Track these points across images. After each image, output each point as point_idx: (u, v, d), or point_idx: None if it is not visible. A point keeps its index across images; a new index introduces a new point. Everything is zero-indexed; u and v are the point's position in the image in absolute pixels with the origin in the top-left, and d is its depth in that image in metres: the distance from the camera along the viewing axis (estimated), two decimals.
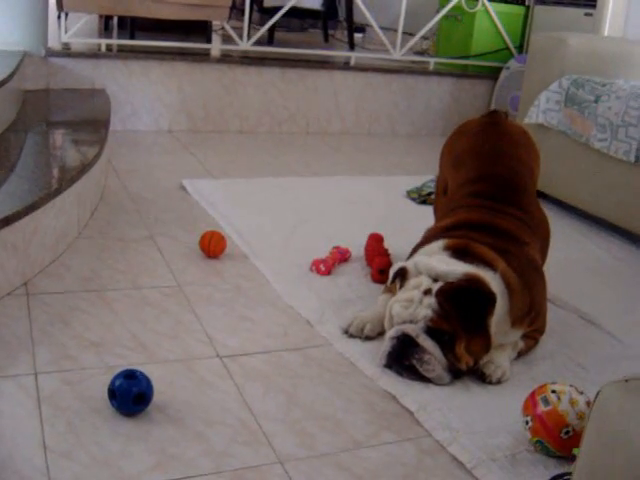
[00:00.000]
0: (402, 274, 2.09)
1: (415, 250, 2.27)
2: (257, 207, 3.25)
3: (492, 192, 2.38)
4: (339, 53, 5.51)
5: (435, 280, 2.01)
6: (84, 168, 2.79)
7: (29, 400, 1.78)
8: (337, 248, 2.74)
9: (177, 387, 1.89)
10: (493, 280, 2.03)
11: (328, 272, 2.61)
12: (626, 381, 1.14)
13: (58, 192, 2.49)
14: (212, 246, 2.65)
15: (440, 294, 1.97)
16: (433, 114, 5.22)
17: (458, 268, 2.01)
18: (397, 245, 2.73)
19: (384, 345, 2.05)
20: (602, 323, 2.45)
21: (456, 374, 2.01)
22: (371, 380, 2.01)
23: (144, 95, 4.45)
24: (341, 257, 2.71)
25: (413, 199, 3.57)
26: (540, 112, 3.63)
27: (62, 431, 1.68)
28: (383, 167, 4.19)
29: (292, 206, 3.31)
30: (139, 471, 1.58)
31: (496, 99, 5.15)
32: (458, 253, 2.09)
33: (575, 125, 3.46)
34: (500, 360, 2.06)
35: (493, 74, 5.23)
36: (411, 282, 2.04)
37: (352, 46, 5.64)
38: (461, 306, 1.96)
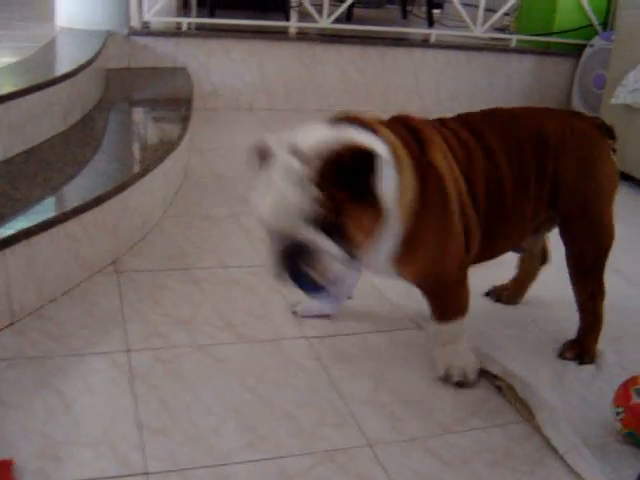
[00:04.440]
0: (261, 154, 1.63)
1: None
2: None
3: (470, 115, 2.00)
4: (419, 30, 5.45)
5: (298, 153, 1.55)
6: (169, 148, 2.83)
7: (122, 377, 1.81)
8: None
9: (266, 367, 1.91)
10: (375, 142, 1.64)
11: None
12: None
13: (146, 172, 2.53)
14: None
15: (320, 176, 1.52)
16: (515, 93, 5.13)
17: (325, 134, 1.60)
18: None
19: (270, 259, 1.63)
20: None
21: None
22: None
23: (224, 73, 4.48)
24: None
25: None
26: (628, 92, 3.54)
27: (155, 409, 1.71)
28: None
29: None
30: (231, 450, 1.61)
31: (579, 78, 5.03)
32: (334, 122, 1.70)
33: None
34: None
35: (576, 52, 5.11)
36: (277, 166, 1.56)
37: (431, 23, 5.57)
38: (345, 181, 1.53)
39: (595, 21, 5.17)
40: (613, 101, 3.59)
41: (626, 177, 3.53)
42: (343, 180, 1.53)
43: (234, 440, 1.64)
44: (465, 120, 1.95)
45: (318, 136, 1.58)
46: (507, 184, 1.88)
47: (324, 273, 1.57)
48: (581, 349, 2.06)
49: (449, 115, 2.00)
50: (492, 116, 1.99)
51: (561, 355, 2.06)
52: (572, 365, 2.02)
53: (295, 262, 1.57)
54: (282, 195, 1.53)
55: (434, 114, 4.79)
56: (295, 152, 1.53)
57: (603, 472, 1.62)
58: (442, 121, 1.92)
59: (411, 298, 2.29)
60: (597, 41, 4.92)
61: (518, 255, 2.28)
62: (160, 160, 2.68)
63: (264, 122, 4.30)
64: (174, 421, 1.68)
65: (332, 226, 1.53)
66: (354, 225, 1.56)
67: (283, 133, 1.61)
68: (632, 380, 1.76)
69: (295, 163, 1.52)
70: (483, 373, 1.94)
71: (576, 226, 2.01)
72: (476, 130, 1.90)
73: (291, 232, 1.54)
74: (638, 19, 3.67)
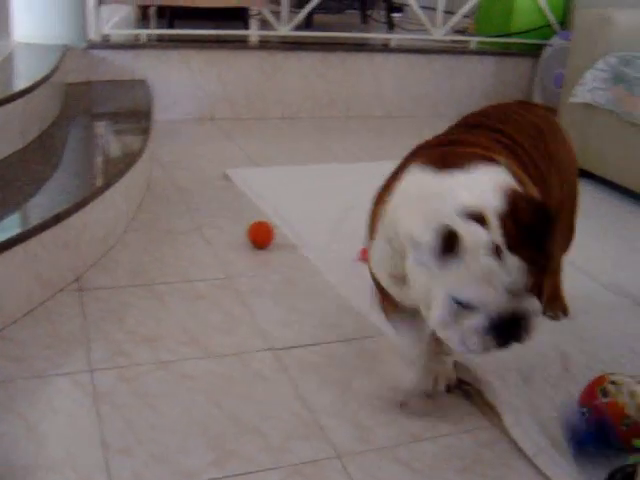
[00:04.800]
0: (452, 241, 1.42)
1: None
2: (303, 195, 3.24)
3: (467, 121, 1.97)
4: (379, 35, 5.45)
5: (475, 218, 1.43)
6: (131, 161, 2.80)
7: (86, 397, 1.79)
8: None
9: (232, 382, 1.89)
10: (506, 175, 1.57)
11: None
12: None
13: (107, 187, 2.50)
14: (260, 237, 2.65)
15: (514, 240, 1.43)
16: (476, 94, 5.15)
17: (485, 193, 1.47)
18: None
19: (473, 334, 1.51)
20: None
21: None
22: None
23: (185, 84, 4.46)
24: None
25: None
26: (586, 91, 3.56)
27: (120, 428, 1.69)
28: None
29: (338, 193, 3.29)
30: (198, 467, 1.59)
31: (540, 77, 5.06)
32: (443, 163, 1.57)
33: (623, 103, 3.39)
34: None
35: (536, 52, 5.14)
36: (467, 244, 1.42)
37: (391, 27, 5.59)
38: (531, 237, 1.45)
39: (554, 20, 5.20)
40: (572, 100, 3.61)
41: (587, 174, 3.55)
42: (530, 237, 1.45)
43: (201, 457, 1.62)
44: (489, 127, 1.89)
45: (482, 190, 1.47)
46: (547, 184, 1.88)
47: (533, 334, 1.53)
48: (561, 304, 2.29)
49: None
50: (503, 117, 1.95)
51: (547, 313, 2.24)
52: (538, 367, 2.02)
53: (511, 331, 1.50)
54: (489, 269, 1.42)
55: (398, 118, 4.84)
56: (476, 219, 1.43)
57: (571, 474, 1.63)
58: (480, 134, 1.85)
59: (374, 307, 2.29)
60: (556, 40, 4.95)
61: None
62: (121, 174, 2.65)
63: (226, 132, 4.28)
64: (139, 440, 1.65)
65: (535, 286, 1.48)
66: (544, 279, 1.52)
67: (442, 198, 1.49)
68: (598, 380, 1.76)
69: (486, 235, 1.42)
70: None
71: (565, 205, 2.11)
72: (509, 137, 1.86)
73: (503, 303, 1.46)
74: (594, 18, 3.70)
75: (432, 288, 1.49)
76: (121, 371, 1.90)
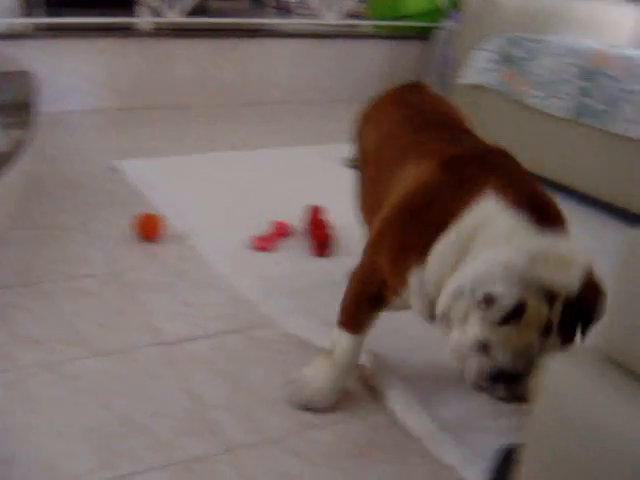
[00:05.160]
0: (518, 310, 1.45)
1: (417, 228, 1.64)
2: (194, 185, 3.19)
3: (436, 120, 2.03)
4: (272, 21, 5.42)
5: (549, 296, 1.44)
6: (11, 156, 2.70)
7: None
8: (277, 223, 2.70)
9: (120, 380, 1.84)
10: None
11: (269, 249, 2.57)
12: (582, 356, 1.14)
13: None
14: (148, 229, 2.59)
15: (567, 326, 1.48)
16: (371, 78, 5.17)
17: (573, 269, 1.47)
18: (340, 216, 2.70)
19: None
20: None
21: None
22: None
23: (72, 74, 4.32)
24: (281, 232, 2.67)
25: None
26: (475, 72, 3.61)
27: (2, 436, 1.62)
28: (322, 135, 4.13)
29: (229, 182, 3.25)
30: (85, 470, 1.54)
31: (433, 60, 5.11)
32: (534, 213, 1.54)
33: (511, 84, 3.45)
34: None
35: (430, 35, 5.19)
36: (528, 316, 1.44)
37: (284, 12, 5.56)
38: (579, 314, 1.50)
39: (446, 3, 5.26)
40: (459, 81, 3.66)
41: None
42: (582, 322, 1.50)
43: (88, 461, 1.57)
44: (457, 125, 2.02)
45: (566, 265, 1.46)
46: None
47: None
48: None
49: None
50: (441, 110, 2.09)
51: None
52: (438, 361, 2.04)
53: (513, 377, 1.50)
54: (531, 343, 1.46)
55: (293, 103, 4.82)
56: (548, 296, 1.44)
57: (459, 454, 1.64)
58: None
59: (267, 295, 2.27)
60: (448, 23, 5.01)
61: None
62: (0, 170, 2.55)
63: (115, 122, 4.18)
64: (22, 448, 1.59)
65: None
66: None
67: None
68: None
69: (546, 313, 1.44)
70: None
71: None
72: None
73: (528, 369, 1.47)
74: (481, 1, 3.75)
75: (470, 317, 1.49)
76: (4, 375, 1.83)
